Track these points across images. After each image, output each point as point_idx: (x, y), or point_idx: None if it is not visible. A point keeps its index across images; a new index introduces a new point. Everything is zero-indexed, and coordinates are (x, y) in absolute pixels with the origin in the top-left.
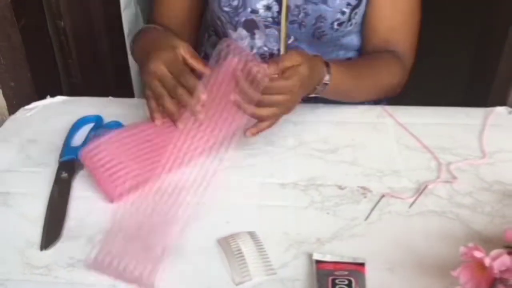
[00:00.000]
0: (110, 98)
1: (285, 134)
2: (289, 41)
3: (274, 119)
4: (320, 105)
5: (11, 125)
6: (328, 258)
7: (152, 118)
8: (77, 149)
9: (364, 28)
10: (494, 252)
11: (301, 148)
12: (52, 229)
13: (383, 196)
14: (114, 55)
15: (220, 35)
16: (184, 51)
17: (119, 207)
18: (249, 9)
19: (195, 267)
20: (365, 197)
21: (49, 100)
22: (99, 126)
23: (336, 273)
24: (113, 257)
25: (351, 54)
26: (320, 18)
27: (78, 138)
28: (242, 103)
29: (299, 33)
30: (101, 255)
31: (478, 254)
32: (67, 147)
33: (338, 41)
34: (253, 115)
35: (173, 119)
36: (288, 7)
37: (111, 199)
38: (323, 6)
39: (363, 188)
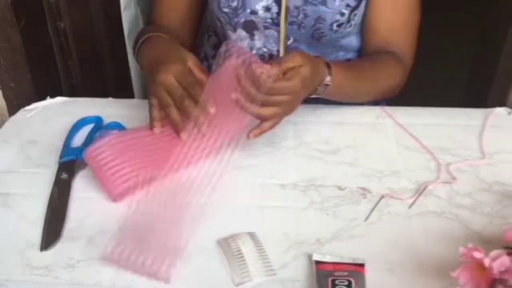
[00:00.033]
0: (110, 99)
1: (285, 135)
2: (289, 42)
3: (276, 119)
4: (320, 106)
5: (11, 126)
6: (328, 258)
7: (151, 127)
8: (77, 150)
9: (364, 29)
10: (494, 253)
11: (301, 149)
12: (52, 229)
13: (382, 197)
14: (114, 56)
15: (220, 35)
16: (192, 64)
17: (132, 203)
18: (248, 10)
19: (195, 267)
20: (364, 197)
21: (49, 101)
22: (99, 127)
23: (336, 273)
24: (130, 252)
25: (350, 55)
26: (319, 19)
27: (78, 139)
28: (243, 102)
29: (299, 34)
30: (118, 249)
31: (477, 254)
32: (67, 148)
33: (338, 42)
34: (255, 115)
35: (177, 130)
36: (287, 8)
37: (113, 198)
38: (322, 8)
39: (363, 188)
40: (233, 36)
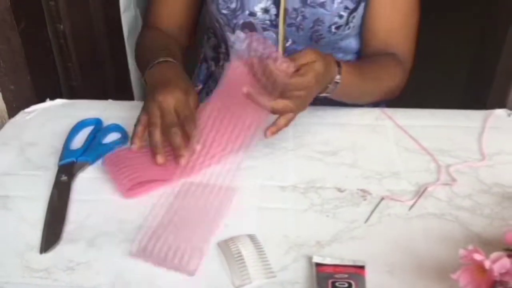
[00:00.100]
0: (110, 101)
1: (285, 136)
2: (287, 44)
3: (290, 115)
4: (320, 107)
5: (11, 128)
6: (328, 261)
7: (131, 142)
8: (76, 152)
9: (363, 30)
10: (494, 255)
11: (301, 150)
12: (52, 232)
13: (382, 198)
14: (113, 58)
15: (219, 37)
16: (193, 101)
17: (155, 201)
18: (247, 12)
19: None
20: (364, 199)
21: (48, 103)
22: (99, 129)
23: (336, 276)
24: (155, 246)
25: (349, 57)
26: (317, 21)
27: (78, 141)
28: (255, 95)
29: (297, 36)
30: (144, 244)
31: (478, 256)
32: (67, 150)
33: (336, 44)
34: (269, 108)
35: (154, 151)
36: (286, 10)
37: (125, 193)
38: (320, 10)
39: (363, 190)
40: (231, 37)
